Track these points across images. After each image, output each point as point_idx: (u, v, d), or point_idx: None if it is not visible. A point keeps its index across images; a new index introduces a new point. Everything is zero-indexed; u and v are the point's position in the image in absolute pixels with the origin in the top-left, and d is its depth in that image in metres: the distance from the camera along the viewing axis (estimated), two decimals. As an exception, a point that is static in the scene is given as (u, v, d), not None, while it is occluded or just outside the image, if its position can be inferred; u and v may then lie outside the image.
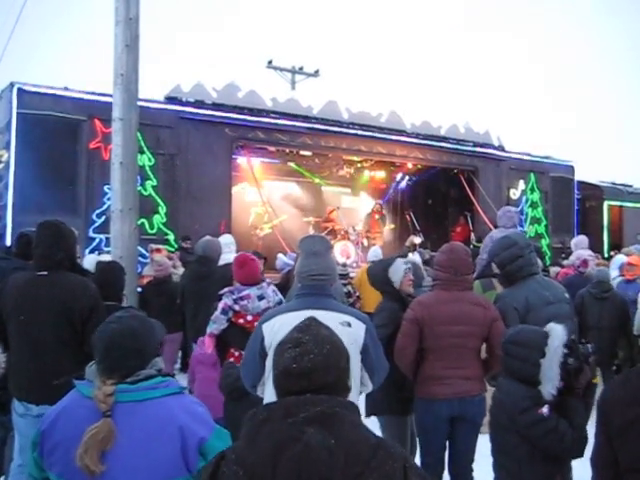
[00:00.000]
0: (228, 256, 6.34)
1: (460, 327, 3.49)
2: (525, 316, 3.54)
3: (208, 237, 6.31)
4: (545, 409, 2.57)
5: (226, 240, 6.68)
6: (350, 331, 2.67)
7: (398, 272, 3.95)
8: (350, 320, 2.73)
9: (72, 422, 1.81)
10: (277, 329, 2.69)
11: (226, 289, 4.05)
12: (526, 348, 2.66)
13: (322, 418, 1.38)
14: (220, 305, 3.96)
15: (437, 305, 3.56)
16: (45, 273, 3.29)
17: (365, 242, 12.48)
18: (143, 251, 7.50)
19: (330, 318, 2.73)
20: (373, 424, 3.45)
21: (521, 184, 12.90)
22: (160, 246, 8.01)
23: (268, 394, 2.75)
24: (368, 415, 3.73)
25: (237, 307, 3.94)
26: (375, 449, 1.39)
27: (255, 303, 3.95)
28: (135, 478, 1.77)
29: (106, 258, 7.12)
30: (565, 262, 8.33)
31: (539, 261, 4.10)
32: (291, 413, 1.40)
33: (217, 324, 3.98)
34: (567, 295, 3.88)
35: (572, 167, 13.76)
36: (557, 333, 2.66)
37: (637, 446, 1.81)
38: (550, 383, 2.59)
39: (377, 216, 13.36)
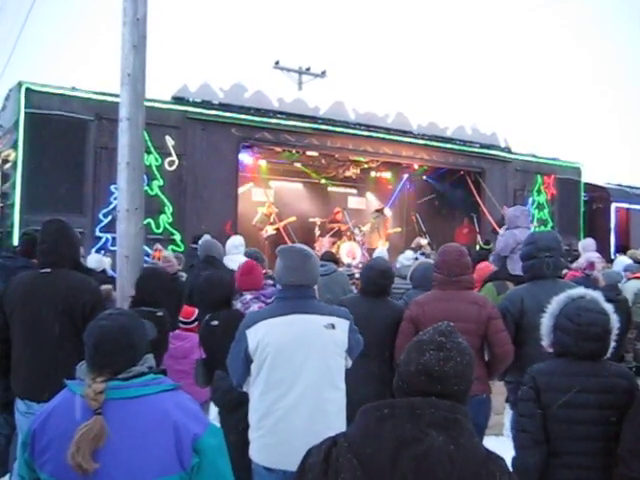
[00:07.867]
0: (237, 257, 6.33)
1: (454, 324, 3.47)
2: (519, 320, 3.54)
3: (210, 237, 6.27)
4: None
5: (235, 242, 6.67)
6: (334, 333, 2.71)
7: None
8: (333, 321, 2.75)
9: (64, 421, 1.79)
10: (261, 335, 2.69)
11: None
12: None
13: (445, 423, 1.41)
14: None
15: (431, 303, 3.61)
16: (48, 270, 3.30)
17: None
18: (149, 251, 7.51)
19: (314, 321, 2.74)
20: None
21: (527, 185, 12.84)
22: (162, 248, 8.00)
23: (255, 396, 2.73)
24: None
25: None
26: (486, 460, 1.42)
27: None
28: (129, 475, 1.75)
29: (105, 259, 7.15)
30: (574, 265, 8.29)
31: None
32: (416, 414, 1.41)
33: None
34: None
35: (579, 169, 13.69)
36: None
37: None
38: None
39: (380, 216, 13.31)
